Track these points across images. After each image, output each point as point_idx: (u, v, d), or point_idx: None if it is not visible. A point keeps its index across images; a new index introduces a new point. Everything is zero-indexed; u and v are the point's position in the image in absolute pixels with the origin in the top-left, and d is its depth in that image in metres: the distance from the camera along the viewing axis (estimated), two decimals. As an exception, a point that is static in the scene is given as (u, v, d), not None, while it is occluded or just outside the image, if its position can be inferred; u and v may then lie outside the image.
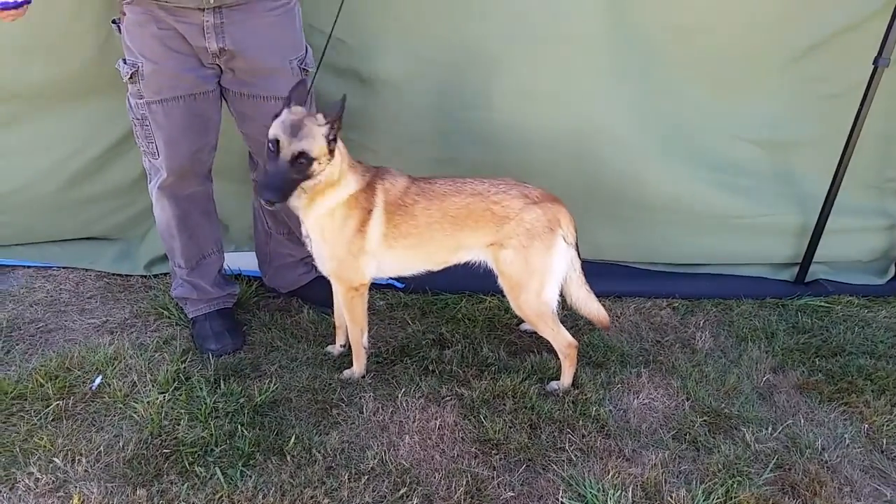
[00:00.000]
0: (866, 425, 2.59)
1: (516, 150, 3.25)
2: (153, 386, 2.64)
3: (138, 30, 2.47)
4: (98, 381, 2.67)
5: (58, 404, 2.54)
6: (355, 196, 2.51)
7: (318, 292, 3.13)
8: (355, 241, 2.54)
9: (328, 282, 2.92)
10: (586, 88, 3.16)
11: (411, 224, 2.55)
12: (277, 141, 2.32)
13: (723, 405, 2.65)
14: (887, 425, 2.58)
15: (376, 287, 3.30)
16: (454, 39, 3.13)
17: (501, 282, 2.62)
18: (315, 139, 2.34)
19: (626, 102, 3.21)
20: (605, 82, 3.16)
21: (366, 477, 2.29)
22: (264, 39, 2.57)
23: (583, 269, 2.72)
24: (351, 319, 2.71)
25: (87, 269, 3.43)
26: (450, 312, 3.16)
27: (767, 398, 2.73)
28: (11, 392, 2.58)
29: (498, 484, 2.30)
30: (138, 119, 2.60)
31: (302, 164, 2.33)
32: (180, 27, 2.45)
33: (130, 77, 2.53)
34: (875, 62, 3.02)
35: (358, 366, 2.76)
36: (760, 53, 3.19)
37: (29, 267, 3.45)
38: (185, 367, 2.74)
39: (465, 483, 2.27)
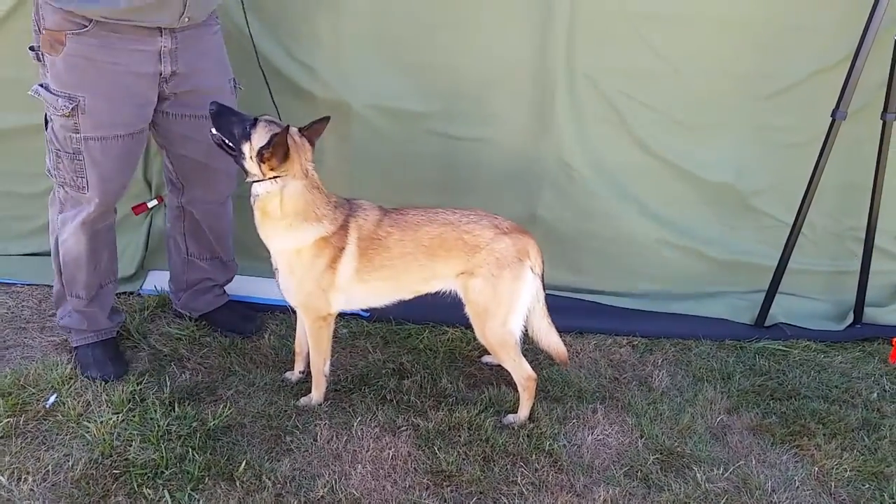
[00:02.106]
0: (816, 468, 2.62)
1: (481, 182, 3.35)
2: (108, 406, 2.62)
3: (85, 63, 2.40)
4: (52, 399, 2.65)
5: (8, 421, 2.51)
6: (325, 238, 2.53)
7: (227, 317, 3.16)
8: (325, 276, 2.57)
9: (237, 306, 3.03)
10: (551, 124, 3.25)
11: (385, 256, 2.57)
12: None
13: (676, 444, 2.67)
14: (836, 468, 2.61)
15: (340, 315, 3.30)
16: (427, 72, 3.23)
17: (469, 310, 2.64)
18: (265, 132, 2.43)
19: (590, 140, 3.29)
20: (568, 120, 3.24)
21: (314, 505, 2.28)
22: (210, 60, 2.65)
23: (546, 301, 2.75)
24: (315, 348, 2.71)
25: (50, 286, 3.40)
26: (412, 342, 3.17)
27: (721, 438, 2.75)
28: (-38, 408, 2.55)
29: (447, 516, 2.30)
30: (68, 153, 2.53)
31: (245, 132, 2.43)
32: (134, 56, 2.44)
33: (70, 112, 2.44)
34: (833, 115, 3.11)
35: (317, 393, 2.76)
36: (725, 100, 3.29)
37: (-9, 283, 3.44)
38: (140, 389, 2.72)
39: (414, 514, 2.28)
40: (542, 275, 2.68)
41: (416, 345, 3.15)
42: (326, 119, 2.56)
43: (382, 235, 2.58)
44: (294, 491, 2.33)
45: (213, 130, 2.49)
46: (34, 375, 2.75)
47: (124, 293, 3.39)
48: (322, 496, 2.32)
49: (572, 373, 3.05)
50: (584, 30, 3.11)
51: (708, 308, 3.52)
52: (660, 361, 3.19)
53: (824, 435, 2.78)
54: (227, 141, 2.47)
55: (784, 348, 3.35)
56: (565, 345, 3.20)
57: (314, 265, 2.54)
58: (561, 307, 3.40)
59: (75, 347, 2.90)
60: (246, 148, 2.44)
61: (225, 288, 3.23)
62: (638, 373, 3.11)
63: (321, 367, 2.73)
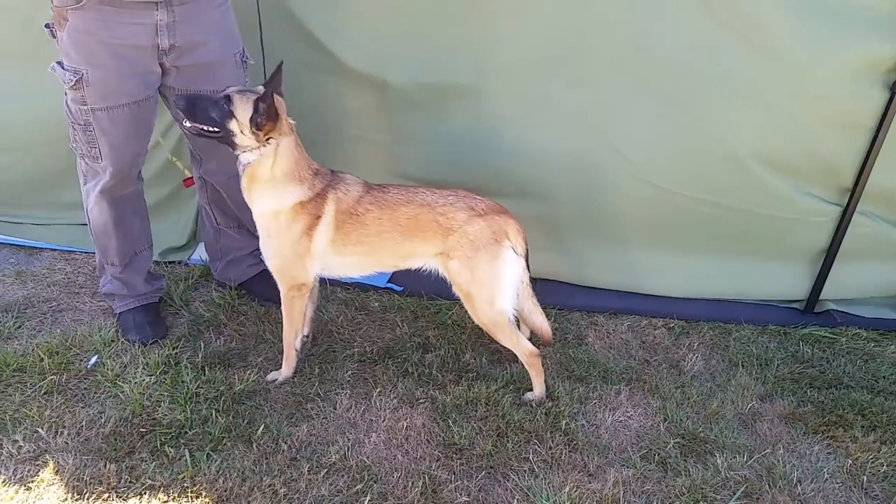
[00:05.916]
0: (849, 461, 2.50)
1: (518, 161, 3.28)
2: (143, 368, 2.76)
3: (86, 37, 2.48)
4: (94, 360, 2.81)
5: (52, 379, 2.69)
6: (302, 203, 2.55)
7: (263, 287, 3.18)
8: (301, 243, 2.59)
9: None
10: (590, 105, 3.15)
11: (362, 233, 2.59)
12: None
13: (700, 429, 2.60)
14: (872, 462, 2.49)
15: (373, 288, 3.36)
16: (464, 48, 3.19)
17: (455, 291, 2.65)
18: (245, 102, 2.42)
19: (636, 121, 3.17)
20: (613, 98, 3.14)
21: (325, 470, 2.34)
22: (212, 34, 2.68)
23: (532, 283, 2.71)
24: (287, 319, 2.74)
25: (106, 255, 3.60)
26: (441, 318, 3.19)
27: (749, 426, 2.66)
28: (13, 364, 2.74)
29: (455, 488, 2.32)
30: (80, 125, 2.64)
31: (225, 111, 2.42)
32: (132, 29, 2.49)
33: (74, 84, 2.54)
34: (892, 88, 2.92)
35: (286, 368, 2.78)
36: (777, 74, 3.11)
37: (54, 250, 3.66)
38: (176, 353, 2.85)
39: (421, 484, 2.31)
40: (526, 255, 2.64)
41: (444, 320, 3.17)
42: (279, 66, 2.50)
43: (361, 212, 2.59)
44: (308, 456, 2.41)
45: (187, 123, 2.50)
46: (80, 337, 2.93)
47: (173, 262, 3.55)
48: (334, 462, 2.38)
49: (601, 353, 3.01)
50: (627, 5, 3.01)
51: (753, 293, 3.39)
52: (695, 345, 3.10)
53: (863, 427, 2.65)
54: (206, 128, 2.48)
55: (831, 335, 3.19)
56: (597, 326, 3.19)
57: (290, 229, 2.57)
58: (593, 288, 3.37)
59: (118, 315, 3.05)
60: (234, 126, 2.44)
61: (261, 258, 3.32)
62: (670, 356, 3.04)
63: (292, 341, 2.76)
